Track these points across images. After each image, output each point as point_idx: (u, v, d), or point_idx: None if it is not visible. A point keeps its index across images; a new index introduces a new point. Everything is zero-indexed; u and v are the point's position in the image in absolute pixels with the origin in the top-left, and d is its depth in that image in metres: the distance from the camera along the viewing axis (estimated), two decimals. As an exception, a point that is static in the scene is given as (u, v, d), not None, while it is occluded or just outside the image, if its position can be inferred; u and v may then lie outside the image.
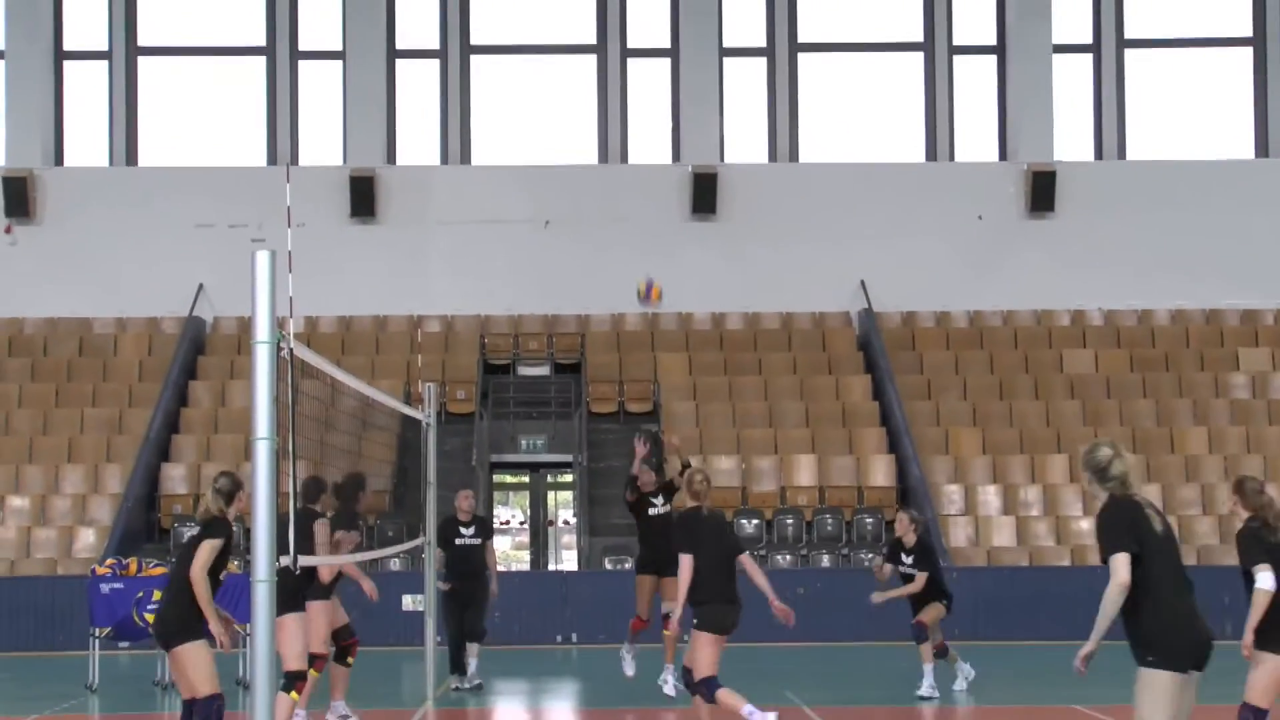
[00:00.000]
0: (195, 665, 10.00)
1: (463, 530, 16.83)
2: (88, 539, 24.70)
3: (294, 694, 12.44)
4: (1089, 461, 8.37)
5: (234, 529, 10.72)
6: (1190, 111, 30.88)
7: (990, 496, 25.77)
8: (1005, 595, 22.76)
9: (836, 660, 20.86)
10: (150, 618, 16.47)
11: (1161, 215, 29.89)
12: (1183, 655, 8.09)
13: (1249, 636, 9.81)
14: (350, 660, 14.10)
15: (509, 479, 30.16)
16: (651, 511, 16.23)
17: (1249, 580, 9.86)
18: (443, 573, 16.73)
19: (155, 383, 27.95)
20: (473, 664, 16.88)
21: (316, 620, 13.06)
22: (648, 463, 16.27)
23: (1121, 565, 8.05)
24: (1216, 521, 25.11)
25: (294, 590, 12.20)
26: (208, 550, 10.26)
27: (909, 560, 16.31)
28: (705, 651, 12.06)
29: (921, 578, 16.14)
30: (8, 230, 29.69)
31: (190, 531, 10.51)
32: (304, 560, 9.77)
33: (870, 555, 24.31)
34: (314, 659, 12.97)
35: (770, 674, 17.67)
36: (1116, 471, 8.29)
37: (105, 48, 30.58)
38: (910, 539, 16.37)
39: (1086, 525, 25.10)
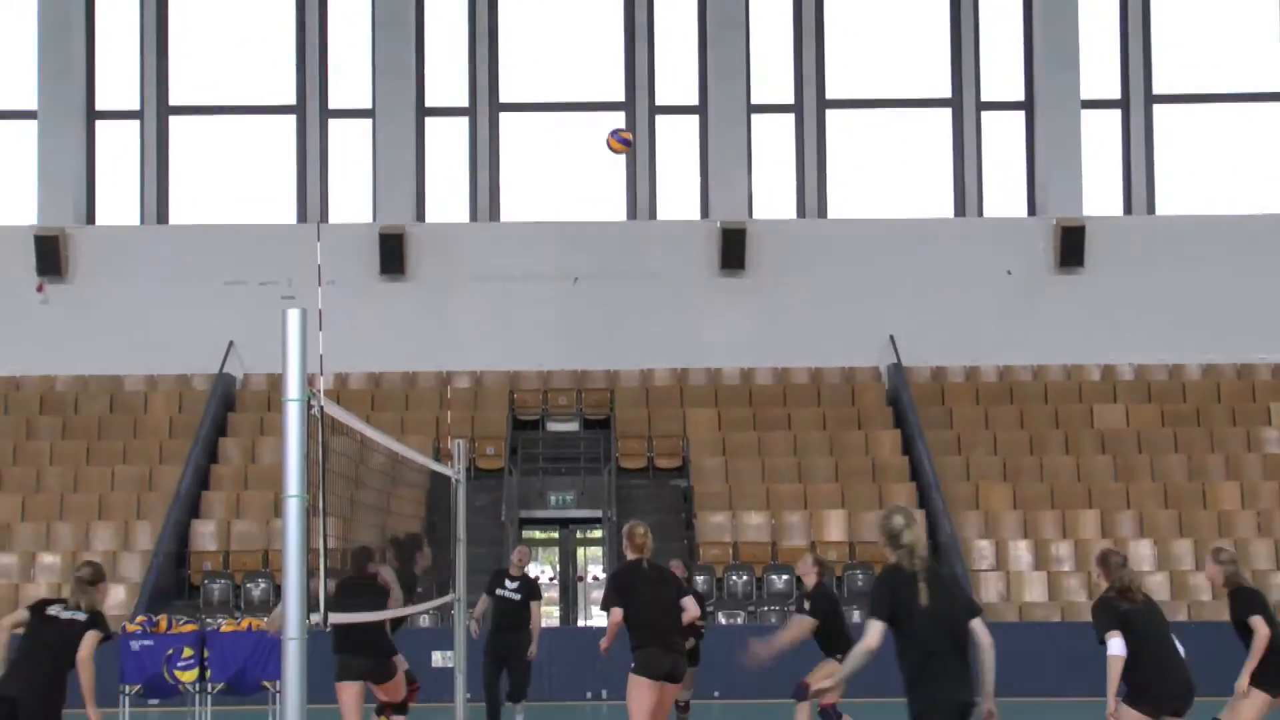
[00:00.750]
0: None
1: (507, 583, 17.10)
2: (118, 596, 24.70)
3: None
4: (883, 527, 8.81)
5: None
6: (1220, 165, 30.84)
7: (1021, 551, 25.66)
8: (1037, 651, 22.60)
9: (867, 716, 20.71)
10: (181, 674, 16.49)
11: (1192, 269, 29.81)
12: (932, 716, 8.59)
13: (1112, 704, 10.51)
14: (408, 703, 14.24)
15: (538, 535, 30.12)
16: None
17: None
18: (481, 623, 16.93)
19: (185, 440, 28.01)
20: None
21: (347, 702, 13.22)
22: None
23: (872, 631, 8.56)
24: (1251, 577, 24.88)
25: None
26: (94, 640, 10.80)
27: (806, 606, 15.24)
28: (639, 696, 12.13)
29: (805, 623, 14.82)
30: (39, 289, 29.84)
31: (71, 615, 10.93)
32: (334, 618, 9.75)
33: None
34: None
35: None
36: (906, 540, 8.72)
37: (137, 107, 30.78)
38: (810, 580, 15.44)
39: (1119, 581, 24.93)
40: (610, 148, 16.84)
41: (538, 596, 17.28)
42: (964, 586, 9.39)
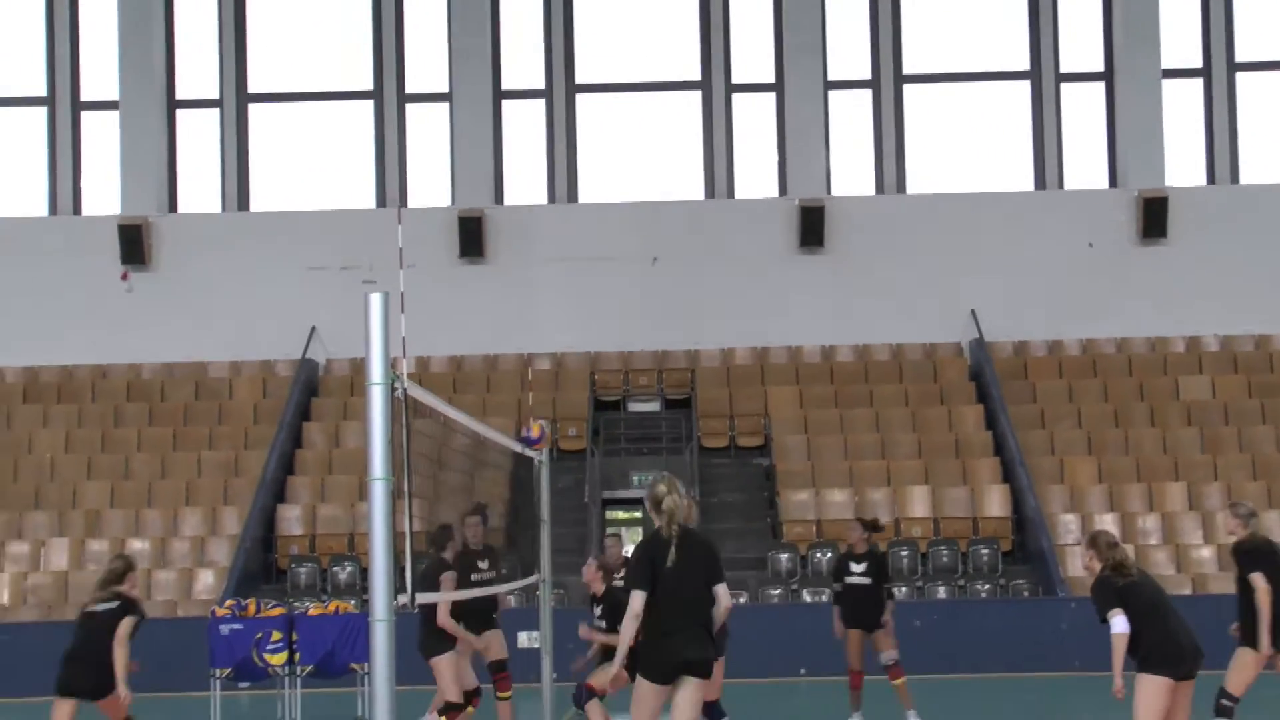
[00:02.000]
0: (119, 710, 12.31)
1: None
2: (206, 580, 24.96)
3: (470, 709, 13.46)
4: (648, 494, 9.74)
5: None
6: (1304, 133, 30.51)
7: (1108, 525, 25.44)
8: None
9: (957, 693, 20.68)
10: (270, 658, 16.63)
11: (1276, 238, 29.48)
12: (655, 670, 9.57)
13: (1118, 681, 10.52)
14: (500, 695, 14.32)
15: (621, 515, 30.17)
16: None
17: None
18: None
19: (270, 425, 28.22)
20: None
21: (444, 674, 13.46)
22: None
23: (635, 600, 9.54)
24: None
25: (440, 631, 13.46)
26: (129, 625, 12.33)
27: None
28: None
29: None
30: (124, 278, 30.13)
31: (106, 607, 12.43)
32: (421, 598, 9.80)
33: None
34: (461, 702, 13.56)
35: (888, 707, 17.55)
36: (666, 507, 9.63)
37: (216, 95, 31.00)
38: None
39: (1207, 554, 24.79)
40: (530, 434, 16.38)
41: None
42: (714, 550, 9.75)
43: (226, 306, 29.93)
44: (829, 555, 24.74)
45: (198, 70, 31.11)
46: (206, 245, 30.14)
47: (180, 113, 31.10)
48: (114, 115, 30.63)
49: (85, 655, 12.27)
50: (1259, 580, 12.46)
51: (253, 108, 31.09)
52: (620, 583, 15.13)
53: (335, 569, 25.26)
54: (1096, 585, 10.73)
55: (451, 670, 13.49)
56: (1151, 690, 10.40)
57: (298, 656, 16.70)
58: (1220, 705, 12.60)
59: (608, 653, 14.25)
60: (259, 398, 29.26)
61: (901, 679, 16.08)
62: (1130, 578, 10.61)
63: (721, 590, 9.75)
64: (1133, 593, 10.55)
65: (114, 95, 30.66)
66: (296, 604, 19.76)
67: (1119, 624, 10.44)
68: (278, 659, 16.55)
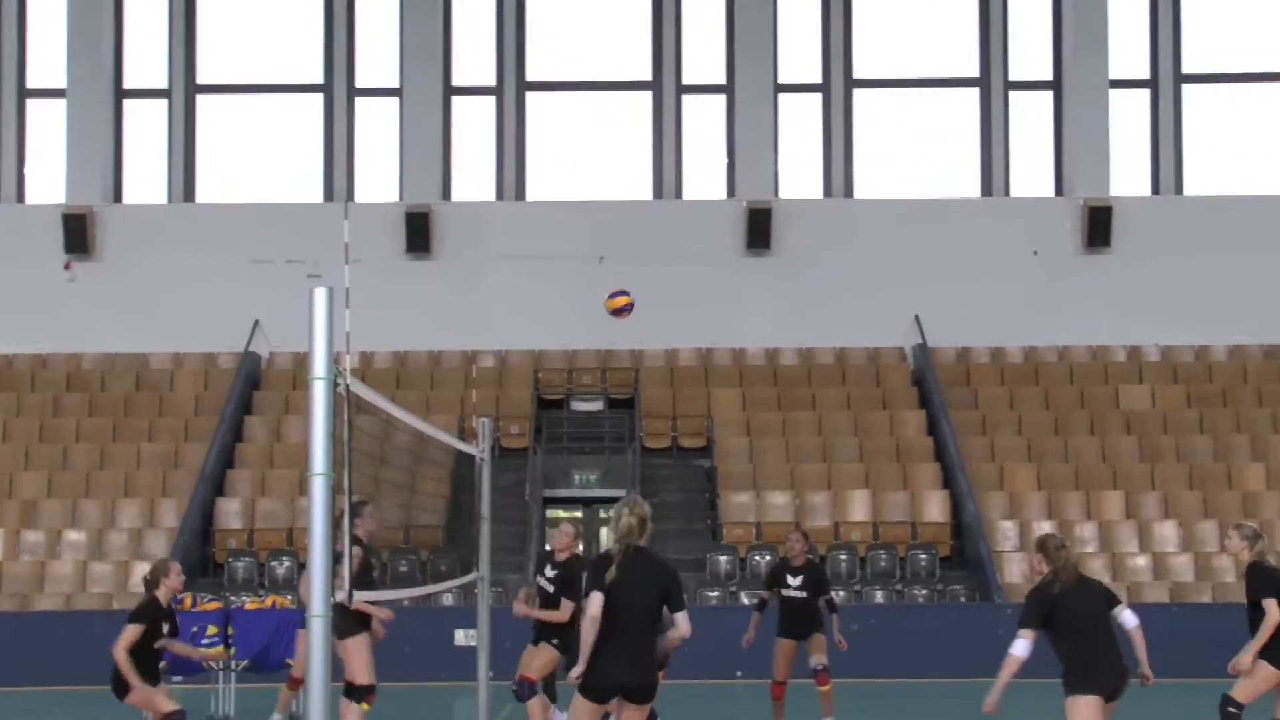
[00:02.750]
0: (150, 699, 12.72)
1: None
2: (143, 573, 24.79)
3: (365, 705, 13.39)
4: (612, 513, 9.88)
5: (162, 609, 12.94)
6: (1248, 146, 30.73)
7: (1046, 532, 25.57)
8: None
9: (889, 696, 20.76)
10: (205, 652, 16.55)
11: (1219, 250, 29.71)
12: (591, 689, 9.52)
13: (995, 695, 10.31)
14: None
15: (562, 514, 30.14)
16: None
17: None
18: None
19: (211, 418, 28.10)
20: None
21: (354, 655, 13.39)
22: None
23: (593, 602, 9.53)
24: (1276, 559, 24.85)
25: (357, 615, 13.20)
26: (130, 632, 12.66)
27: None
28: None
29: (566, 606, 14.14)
30: (67, 267, 29.94)
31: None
32: (359, 596, 9.78)
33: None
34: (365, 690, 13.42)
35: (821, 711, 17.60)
36: (622, 527, 9.71)
37: (165, 86, 30.84)
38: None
39: (1143, 562, 24.97)
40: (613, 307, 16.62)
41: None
42: (671, 575, 9.78)
43: (170, 298, 29.77)
44: (768, 558, 24.78)
45: (146, 60, 30.95)
46: (151, 236, 29.98)
47: (128, 102, 30.93)
48: (60, 104, 30.44)
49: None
50: (1272, 606, 12.63)
51: (201, 99, 30.95)
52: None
53: (273, 563, 25.17)
54: (1031, 593, 10.59)
55: (361, 652, 13.42)
56: (1083, 711, 10.22)
57: (233, 651, 16.61)
58: (1226, 713, 12.73)
59: (546, 627, 14.45)
60: (200, 390, 29.12)
61: (828, 685, 16.01)
62: (1065, 586, 10.37)
63: (680, 618, 9.72)
64: (1059, 606, 10.32)
65: (61, 84, 30.47)
66: (233, 598, 19.68)
67: (1020, 647, 10.24)
68: (213, 653, 16.47)
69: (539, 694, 14.33)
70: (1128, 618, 10.42)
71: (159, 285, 29.78)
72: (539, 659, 14.39)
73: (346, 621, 13.27)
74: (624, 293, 16.17)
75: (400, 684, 21.29)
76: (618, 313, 16.14)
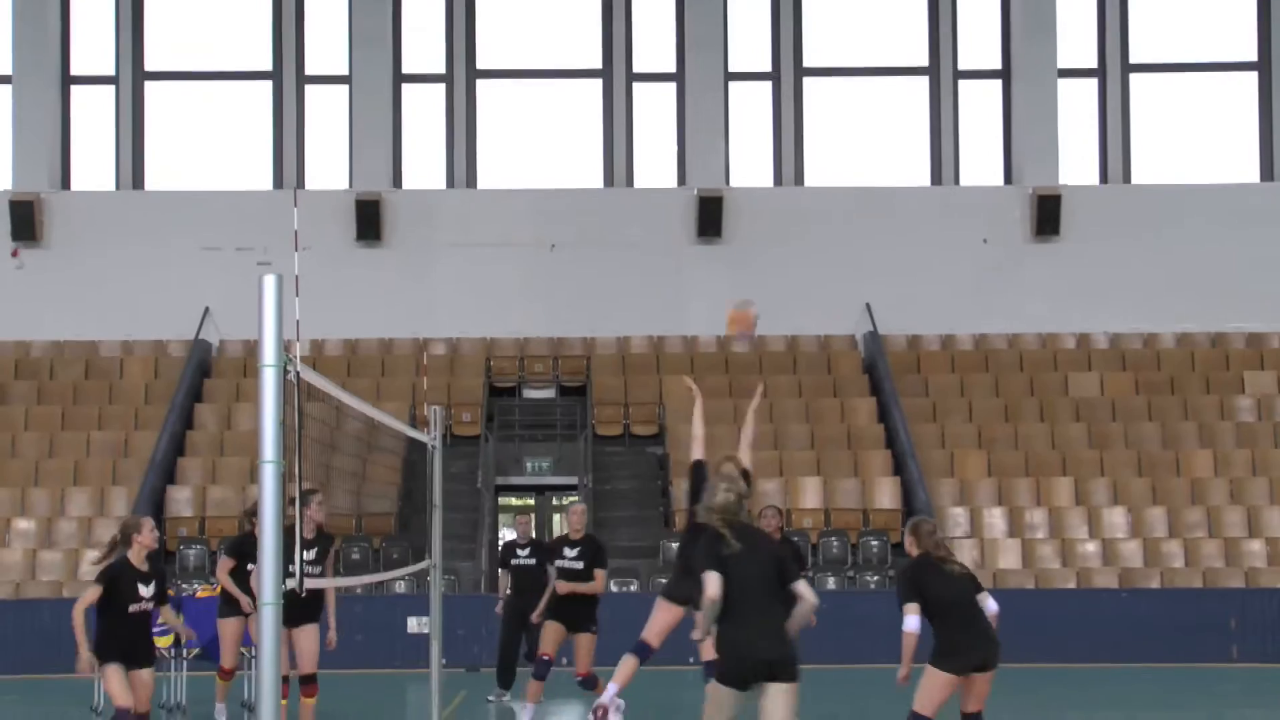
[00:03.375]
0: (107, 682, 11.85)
1: (519, 552, 17.78)
2: (93, 561, 24.69)
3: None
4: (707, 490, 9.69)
5: (134, 569, 12.04)
6: (1196, 135, 30.93)
7: (996, 519, 25.77)
8: (1010, 618, 22.64)
9: (846, 683, 20.85)
10: (157, 640, 16.49)
11: (1167, 239, 29.92)
12: (729, 675, 9.17)
13: (904, 670, 10.83)
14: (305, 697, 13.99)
15: (514, 501, 30.18)
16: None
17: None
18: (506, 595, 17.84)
19: (161, 406, 27.99)
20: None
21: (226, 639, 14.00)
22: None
23: (711, 581, 9.20)
24: (1223, 544, 25.11)
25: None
26: (89, 593, 11.89)
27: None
28: None
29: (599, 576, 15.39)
30: (14, 254, 29.77)
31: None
32: (309, 583, 9.78)
33: (875, 576, 24.38)
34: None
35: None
36: (720, 503, 9.49)
37: (112, 72, 30.67)
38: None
39: (1093, 548, 25.13)
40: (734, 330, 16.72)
41: (548, 556, 17.59)
42: (787, 546, 9.99)
43: (119, 285, 29.63)
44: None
45: (93, 46, 30.76)
46: (100, 223, 29.83)
47: (75, 89, 30.75)
48: (6, 90, 30.25)
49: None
50: None
51: (149, 85, 30.80)
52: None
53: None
54: (901, 574, 11.07)
55: (232, 637, 13.69)
56: (929, 682, 10.77)
57: (184, 639, 16.54)
58: None
59: (561, 602, 15.28)
60: (150, 378, 29.01)
61: None
62: (941, 569, 10.82)
63: (800, 587, 9.65)
64: (931, 586, 10.77)
65: (7, 70, 30.27)
66: (185, 586, 19.63)
67: (910, 623, 10.69)
68: (164, 641, 16.39)
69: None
70: (990, 605, 10.93)
71: (108, 272, 29.64)
72: (554, 634, 15.31)
73: (222, 605, 13.63)
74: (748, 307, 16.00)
75: (353, 671, 21.28)
76: (742, 336, 16.05)
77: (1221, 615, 23.27)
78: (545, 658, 15.24)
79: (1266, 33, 30.86)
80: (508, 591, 17.84)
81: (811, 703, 17.74)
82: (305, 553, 13.08)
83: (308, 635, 13.63)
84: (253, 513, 12.24)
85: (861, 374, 29.26)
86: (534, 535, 18.49)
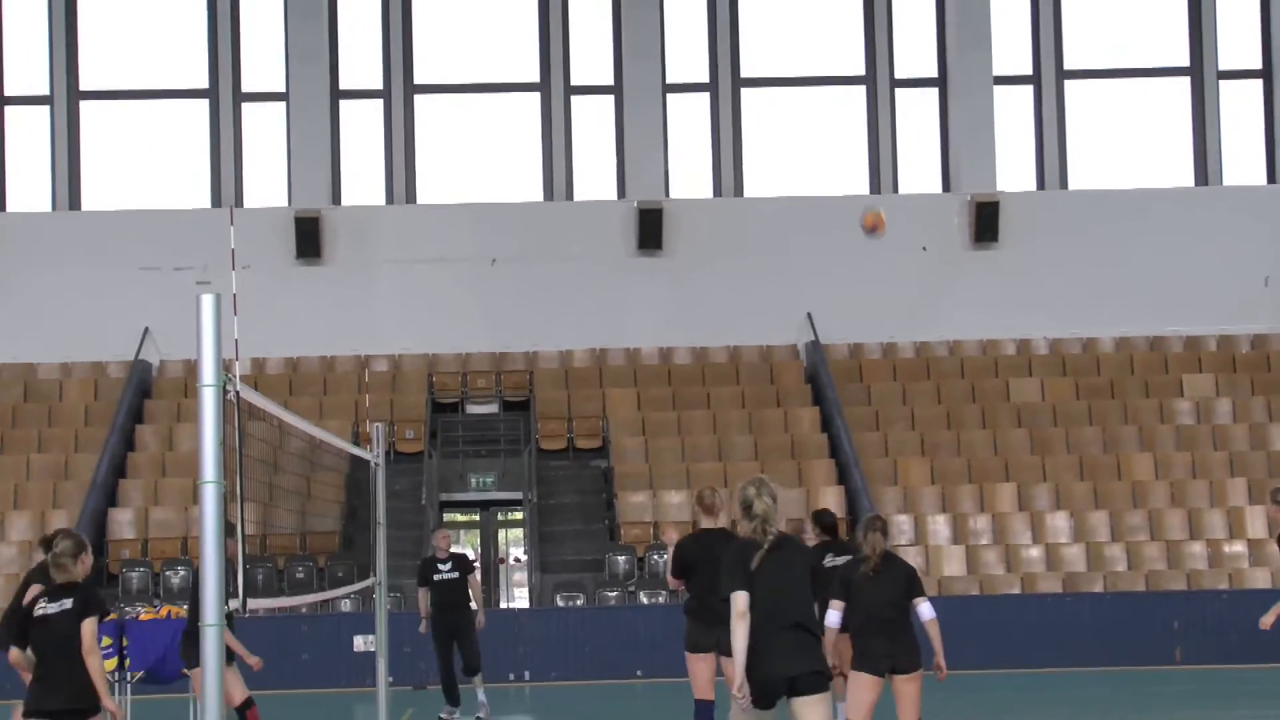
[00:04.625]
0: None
1: (440, 567, 17.72)
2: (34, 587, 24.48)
3: None
4: (740, 498, 9.31)
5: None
6: (1131, 141, 31.16)
7: (940, 526, 25.87)
8: (955, 624, 22.72)
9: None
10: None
11: (1104, 244, 30.11)
12: (755, 688, 8.81)
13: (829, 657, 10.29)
14: None
15: (459, 517, 30.14)
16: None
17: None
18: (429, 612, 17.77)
19: (102, 427, 27.80)
20: (481, 693, 17.62)
21: None
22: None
23: (738, 600, 8.88)
24: (1165, 547, 25.27)
25: None
26: (91, 628, 10.01)
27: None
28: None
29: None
30: (-50, 276, 29.52)
31: (60, 608, 9.99)
32: (253, 603, 9.72)
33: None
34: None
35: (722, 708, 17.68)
36: (759, 511, 9.20)
37: (46, 92, 30.47)
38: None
39: (1036, 553, 25.25)
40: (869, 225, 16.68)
41: (471, 569, 17.77)
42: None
43: (57, 306, 29.42)
44: (665, 557, 24.80)
45: (28, 66, 30.56)
46: (36, 244, 29.61)
47: (9, 109, 30.54)
48: (-60, 111, 30.02)
49: (52, 674, 9.93)
50: None
51: (84, 104, 30.61)
52: None
53: (168, 573, 24.95)
54: (832, 570, 11.15)
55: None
56: (856, 685, 10.78)
57: (128, 662, 16.44)
58: None
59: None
60: (90, 399, 28.81)
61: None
62: (867, 569, 10.82)
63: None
64: (856, 586, 10.81)
65: (-60, 91, 30.06)
66: (128, 609, 19.50)
67: (831, 617, 10.73)
68: (108, 665, 16.28)
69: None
70: (924, 610, 10.88)
71: (45, 294, 29.43)
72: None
73: (193, 649, 13.39)
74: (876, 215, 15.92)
75: (299, 691, 21.20)
76: (873, 229, 16.01)
77: (1164, 618, 23.42)
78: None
79: (1198, 37, 31.12)
80: (430, 609, 17.81)
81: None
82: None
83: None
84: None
85: (804, 383, 29.33)
86: (454, 550, 18.53)
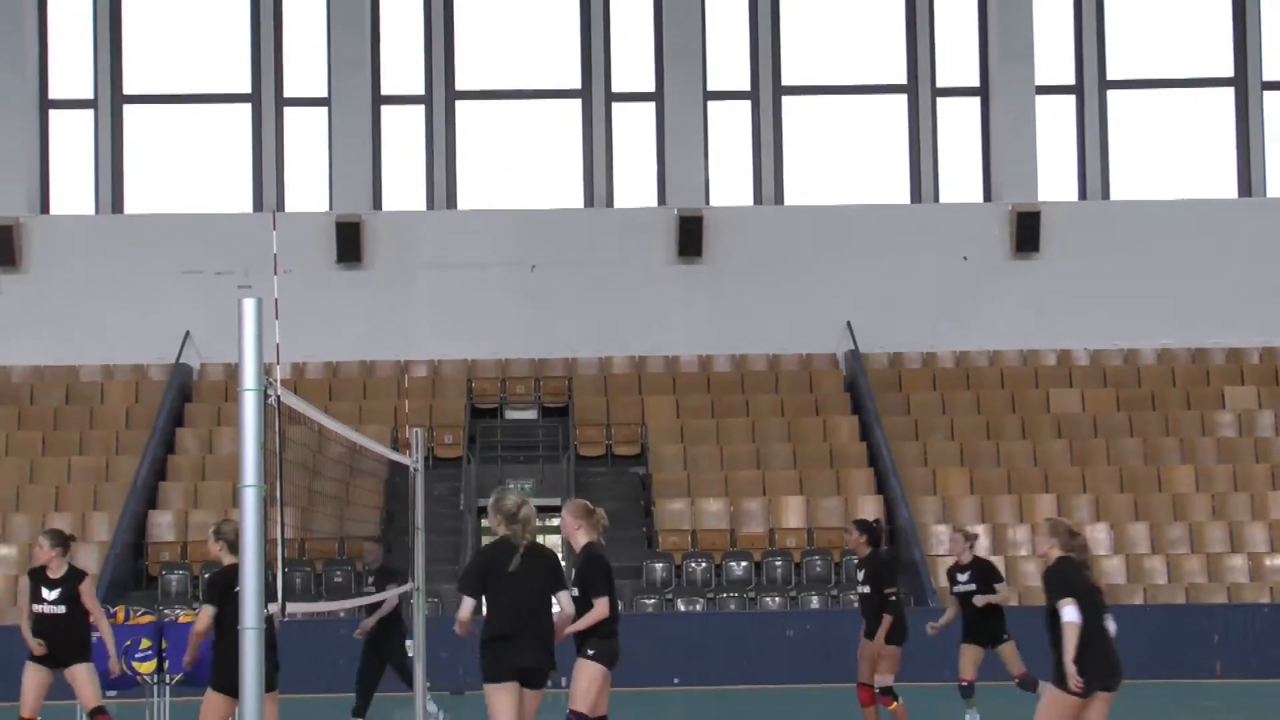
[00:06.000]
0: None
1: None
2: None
3: None
4: (497, 506, 10.48)
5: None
6: (1173, 151, 31.00)
7: (979, 536, 25.73)
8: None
9: (827, 701, 20.83)
10: (139, 665, 16.44)
11: (1146, 255, 29.96)
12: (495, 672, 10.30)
13: (1069, 666, 10.58)
14: None
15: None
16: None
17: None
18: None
19: (142, 430, 27.91)
20: (432, 707, 17.61)
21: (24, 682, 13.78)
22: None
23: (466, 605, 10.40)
24: (1205, 559, 25.14)
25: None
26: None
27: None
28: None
29: None
30: (-7, 279, 29.68)
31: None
32: (291, 607, 9.75)
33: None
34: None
35: (760, 717, 17.66)
36: (524, 516, 10.46)
37: (91, 96, 30.62)
38: (966, 558, 16.18)
39: (1075, 565, 25.10)
40: None
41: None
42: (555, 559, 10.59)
43: (99, 310, 29.56)
44: (703, 565, 24.86)
45: (72, 70, 30.71)
46: (79, 247, 29.77)
47: (53, 112, 30.69)
48: (-15, 114, 30.17)
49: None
50: None
51: (128, 109, 30.75)
52: None
53: (206, 576, 24.99)
54: (1053, 571, 10.85)
55: (25, 679, 13.73)
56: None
57: (167, 664, 16.50)
58: None
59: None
60: (131, 402, 28.93)
61: (892, 705, 14.80)
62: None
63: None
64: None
65: (-14, 94, 30.22)
66: (167, 611, 19.56)
67: (1070, 613, 10.60)
68: (147, 667, 16.35)
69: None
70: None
71: (88, 297, 29.57)
72: (1006, 655, 16.10)
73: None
74: None
75: (337, 695, 21.22)
76: None
77: (1205, 631, 23.30)
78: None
79: (1243, 48, 30.96)
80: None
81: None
82: (48, 591, 13.51)
83: (80, 674, 13.60)
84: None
85: (843, 392, 29.27)
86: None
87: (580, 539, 11.46)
